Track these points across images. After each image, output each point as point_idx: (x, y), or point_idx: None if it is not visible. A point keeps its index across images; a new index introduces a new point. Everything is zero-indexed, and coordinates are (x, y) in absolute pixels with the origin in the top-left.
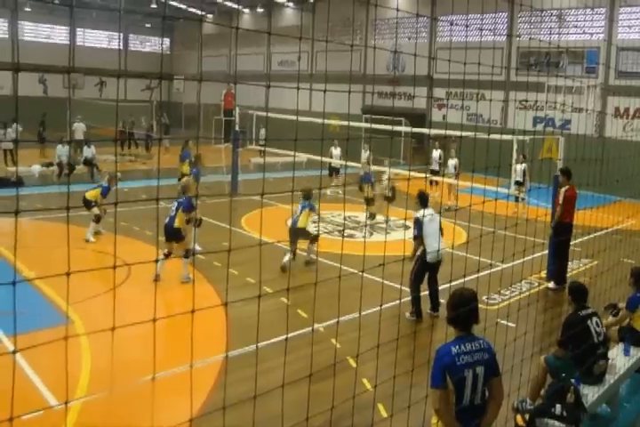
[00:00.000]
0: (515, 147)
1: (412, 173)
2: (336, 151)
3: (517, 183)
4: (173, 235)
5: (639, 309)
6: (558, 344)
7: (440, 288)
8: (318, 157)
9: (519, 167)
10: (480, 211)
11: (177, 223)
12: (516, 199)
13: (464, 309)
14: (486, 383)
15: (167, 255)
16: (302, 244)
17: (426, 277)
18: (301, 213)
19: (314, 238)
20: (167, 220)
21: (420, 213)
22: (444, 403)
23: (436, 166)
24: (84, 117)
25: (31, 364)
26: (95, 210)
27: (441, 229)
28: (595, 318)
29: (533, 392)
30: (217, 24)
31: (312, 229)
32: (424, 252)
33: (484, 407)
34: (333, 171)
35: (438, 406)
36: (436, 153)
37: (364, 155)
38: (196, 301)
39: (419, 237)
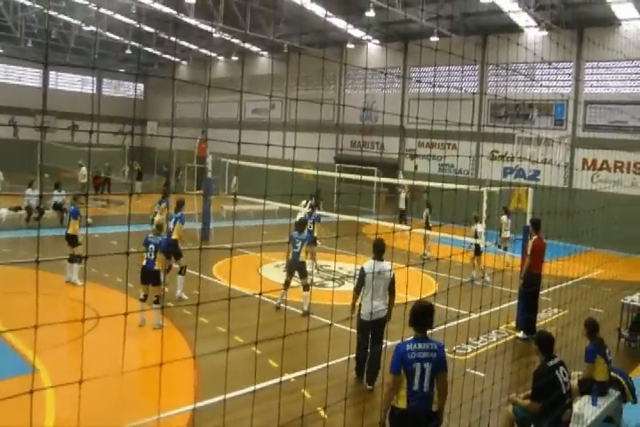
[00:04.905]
0: (485, 198)
1: (384, 223)
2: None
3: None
4: (152, 278)
5: (597, 358)
6: (530, 398)
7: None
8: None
9: (504, 219)
10: (449, 261)
11: (157, 265)
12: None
13: (420, 316)
14: (434, 376)
15: (144, 299)
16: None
17: None
18: (302, 246)
19: (306, 286)
20: (145, 262)
21: (366, 265)
22: (394, 386)
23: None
24: (53, 161)
25: None
26: (78, 249)
27: (391, 289)
28: (562, 368)
29: None
30: (185, 81)
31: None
32: (360, 307)
33: (430, 395)
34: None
35: (390, 387)
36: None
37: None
38: (166, 350)
39: (358, 290)
